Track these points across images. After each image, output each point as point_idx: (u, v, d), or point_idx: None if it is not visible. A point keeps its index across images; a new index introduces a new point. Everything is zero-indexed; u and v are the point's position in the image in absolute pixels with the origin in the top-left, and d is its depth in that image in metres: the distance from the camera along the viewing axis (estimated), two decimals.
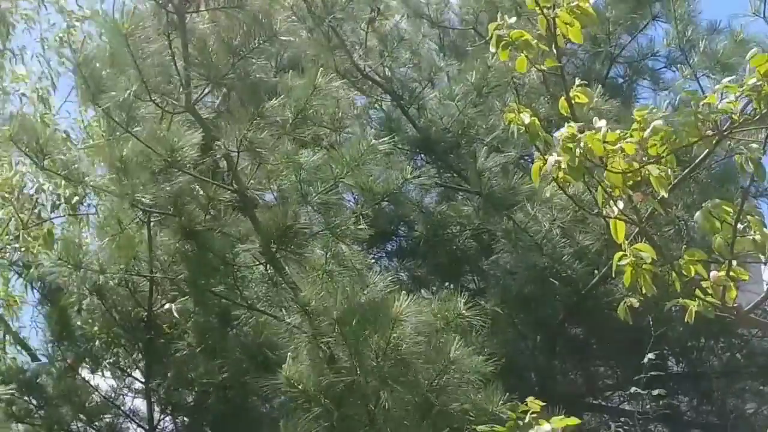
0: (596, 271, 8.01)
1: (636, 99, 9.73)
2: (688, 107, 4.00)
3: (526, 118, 3.92)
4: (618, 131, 3.87)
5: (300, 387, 6.00)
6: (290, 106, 6.93)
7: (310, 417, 6.06)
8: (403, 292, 6.30)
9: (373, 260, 9.63)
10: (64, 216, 10.00)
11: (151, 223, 7.42)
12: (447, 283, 9.39)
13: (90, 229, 10.28)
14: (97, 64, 7.02)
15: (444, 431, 6.04)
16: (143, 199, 6.90)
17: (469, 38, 10.02)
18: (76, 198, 9.39)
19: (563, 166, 3.78)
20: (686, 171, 5.54)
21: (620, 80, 9.81)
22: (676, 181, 4.19)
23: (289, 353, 6.12)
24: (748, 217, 4.07)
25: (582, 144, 3.74)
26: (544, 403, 5.94)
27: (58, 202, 9.82)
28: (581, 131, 3.87)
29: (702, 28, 8.85)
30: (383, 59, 9.60)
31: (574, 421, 4.58)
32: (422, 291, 8.55)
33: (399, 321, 5.98)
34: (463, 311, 6.52)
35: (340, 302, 6.05)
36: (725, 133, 4.14)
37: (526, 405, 4.75)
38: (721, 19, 8.77)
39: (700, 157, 4.61)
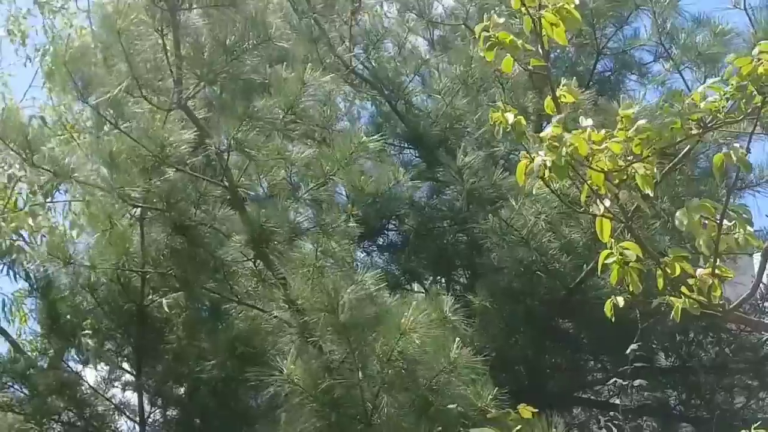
0: (585, 265, 8.01)
1: (625, 91, 9.70)
2: (669, 102, 4.01)
3: (510, 117, 3.93)
4: (603, 131, 3.87)
5: (301, 385, 6.00)
6: (280, 103, 6.93)
7: (308, 415, 6.06)
8: (408, 299, 6.30)
9: (364, 254, 9.68)
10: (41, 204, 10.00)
11: (143, 218, 7.43)
12: (438, 278, 9.41)
13: (67, 216, 10.31)
14: (88, 60, 7.01)
15: (439, 430, 6.06)
16: (132, 194, 6.91)
17: (459, 32, 10.01)
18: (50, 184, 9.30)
19: (549, 165, 3.79)
20: (670, 165, 5.56)
21: (608, 73, 9.80)
22: (660, 176, 4.19)
23: (291, 350, 6.11)
24: (733, 214, 4.09)
25: (568, 143, 3.75)
26: (533, 398, 6.00)
27: (34, 190, 9.80)
28: (567, 130, 3.89)
29: (682, 20, 8.84)
30: (368, 53, 9.61)
31: None
32: (414, 285, 8.59)
33: (407, 333, 5.98)
34: (449, 314, 6.49)
35: (346, 307, 6.03)
36: (709, 129, 4.16)
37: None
38: (703, 10, 8.76)
39: (683, 152, 4.62)
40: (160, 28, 6.92)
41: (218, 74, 6.99)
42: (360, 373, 6.07)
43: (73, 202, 10.31)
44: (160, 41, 6.93)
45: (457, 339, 6.26)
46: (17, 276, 9.21)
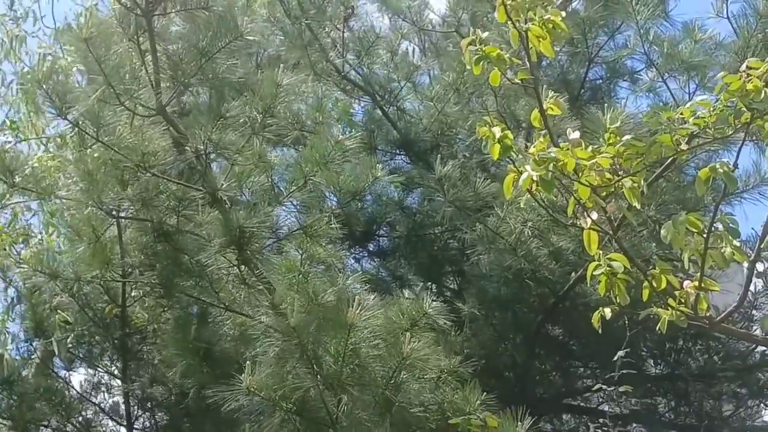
0: (574, 272, 8.02)
1: (616, 99, 9.71)
2: (656, 114, 4.03)
3: (497, 132, 3.94)
4: (590, 147, 3.89)
5: (261, 394, 5.99)
6: (257, 105, 6.94)
7: (273, 422, 6.05)
8: (359, 295, 6.29)
9: (354, 260, 9.69)
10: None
11: (124, 224, 7.43)
12: (429, 284, 9.42)
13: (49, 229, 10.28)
14: (60, 76, 7.00)
15: (405, 428, 6.05)
16: (110, 205, 6.92)
17: (451, 38, 10.02)
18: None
19: (536, 179, 3.80)
20: (656, 174, 5.57)
21: (599, 81, 9.80)
22: (645, 184, 4.20)
23: (248, 361, 6.09)
24: (720, 225, 4.10)
25: (554, 158, 3.77)
26: (522, 405, 6.01)
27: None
28: (554, 144, 3.90)
29: (666, 29, 8.82)
30: (360, 59, 9.62)
31: None
32: (404, 291, 8.58)
33: (354, 326, 5.95)
34: (429, 311, 6.47)
35: (298, 308, 6.02)
36: (700, 145, 4.19)
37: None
38: (687, 19, 8.73)
39: (668, 161, 4.63)
40: (136, 36, 6.91)
41: (193, 76, 6.99)
42: (318, 375, 6.05)
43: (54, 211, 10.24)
44: (134, 48, 6.92)
45: (409, 334, 6.22)
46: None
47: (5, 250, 9.10)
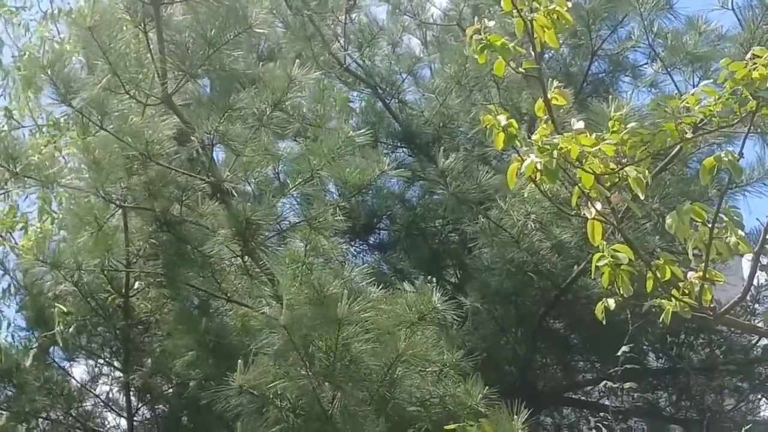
0: (576, 265, 8.00)
1: (618, 93, 9.66)
2: (662, 104, 4.00)
3: (502, 120, 3.91)
4: (594, 135, 3.85)
5: (254, 392, 5.93)
6: (267, 98, 6.91)
7: (267, 420, 6.00)
8: (360, 288, 6.26)
9: (354, 253, 9.67)
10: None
11: (128, 213, 7.40)
12: (429, 277, 9.39)
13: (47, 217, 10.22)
14: (65, 63, 6.96)
15: (402, 425, 6.02)
16: (116, 193, 6.89)
17: (453, 32, 10.01)
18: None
19: (540, 168, 3.77)
20: (660, 166, 5.54)
21: (602, 74, 9.77)
22: (650, 175, 4.17)
23: (250, 355, 6.05)
24: (724, 217, 4.07)
25: (559, 147, 3.74)
26: (523, 398, 5.99)
27: None
28: (558, 132, 3.87)
29: (669, 21, 8.79)
30: (362, 51, 9.61)
31: None
32: (405, 285, 8.56)
33: (345, 323, 5.91)
34: (438, 305, 6.44)
35: (287, 304, 5.97)
36: (705, 133, 4.16)
37: None
38: (692, 11, 8.72)
39: (673, 152, 4.60)
40: (142, 23, 6.88)
41: (200, 66, 6.96)
42: (309, 372, 6.00)
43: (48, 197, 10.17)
44: (141, 36, 6.89)
45: (404, 330, 6.15)
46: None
47: (2, 237, 9.06)
